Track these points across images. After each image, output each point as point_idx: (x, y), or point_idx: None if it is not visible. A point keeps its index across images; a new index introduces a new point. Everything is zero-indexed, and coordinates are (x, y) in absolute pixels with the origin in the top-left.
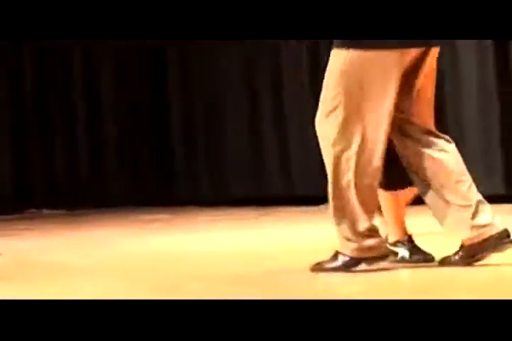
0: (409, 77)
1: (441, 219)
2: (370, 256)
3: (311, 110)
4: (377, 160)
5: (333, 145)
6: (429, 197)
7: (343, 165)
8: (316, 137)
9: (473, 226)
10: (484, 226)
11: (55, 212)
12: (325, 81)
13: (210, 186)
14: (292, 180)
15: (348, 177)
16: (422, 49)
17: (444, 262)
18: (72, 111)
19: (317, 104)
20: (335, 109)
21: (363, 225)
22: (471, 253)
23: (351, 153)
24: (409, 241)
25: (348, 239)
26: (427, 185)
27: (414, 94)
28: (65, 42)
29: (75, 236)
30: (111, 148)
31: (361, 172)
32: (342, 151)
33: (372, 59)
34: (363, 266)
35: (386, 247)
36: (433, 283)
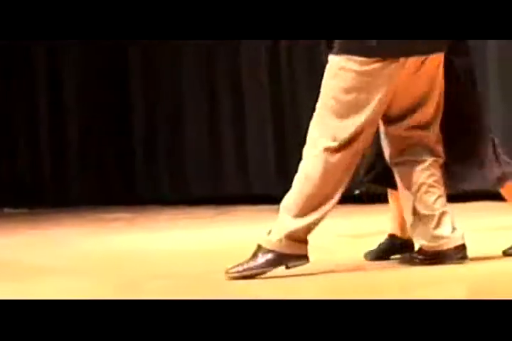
0: (405, 86)
1: (409, 225)
2: (297, 253)
3: (269, 110)
4: (345, 169)
5: (311, 144)
6: (403, 203)
7: (315, 165)
8: (273, 136)
9: (434, 237)
10: (444, 238)
11: (17, 211)
12: (322, 84)
13: (170, 186)
14: (250, 179)
15: (315, 178)
16: (420, 58)
17: (404, 261)
18: (34, 112)
19: (275, 104)
20: (321, 110)
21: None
22: (428, 258)
23: (326, 154)
24: (386, 240)
25: (283, 231)
26: (402, 192)
27: (412, 103)
28: (27, 42)
29: (37, 235)
30: (73, 148)
31: (320, 178)
32: (312, 150)
33: (366, 67)
34: (283, 267)
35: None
36: (389, 283)
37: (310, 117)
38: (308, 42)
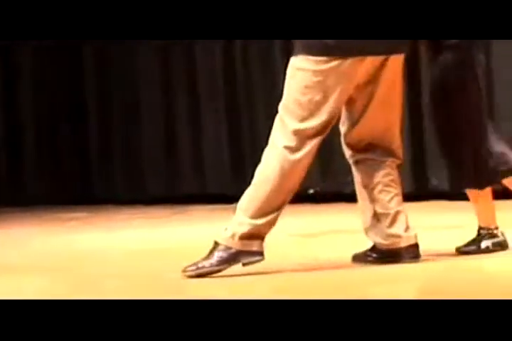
0: (364, 87)
1: (364, 222)
2: (252, 250)
3: (224, 110)
4: (303, 169)
5: (272, 145)
6: (360, 201)
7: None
8: (227, 137)
9: (388, 235)
10: (397, 236)
11: None
12: (285, 85)
13: (126, 185)
14: (205, 179)
15: (274, 179)
16: (380, 58)
17: (357, 259)
18: None
19: (231, 105)
20: (282, 111)
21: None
22: (382, 256)
23: (285, 155)
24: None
25: (239, 229)
26: (359, 190)
27: (372, 103)
28: None
29: None
30: (29, 147)
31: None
32: (272, 151)
33: (322, 66)
34: (239, 263)
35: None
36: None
37: (265, 117)
38: (263, 42)
